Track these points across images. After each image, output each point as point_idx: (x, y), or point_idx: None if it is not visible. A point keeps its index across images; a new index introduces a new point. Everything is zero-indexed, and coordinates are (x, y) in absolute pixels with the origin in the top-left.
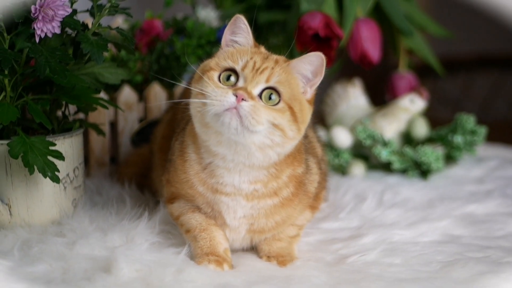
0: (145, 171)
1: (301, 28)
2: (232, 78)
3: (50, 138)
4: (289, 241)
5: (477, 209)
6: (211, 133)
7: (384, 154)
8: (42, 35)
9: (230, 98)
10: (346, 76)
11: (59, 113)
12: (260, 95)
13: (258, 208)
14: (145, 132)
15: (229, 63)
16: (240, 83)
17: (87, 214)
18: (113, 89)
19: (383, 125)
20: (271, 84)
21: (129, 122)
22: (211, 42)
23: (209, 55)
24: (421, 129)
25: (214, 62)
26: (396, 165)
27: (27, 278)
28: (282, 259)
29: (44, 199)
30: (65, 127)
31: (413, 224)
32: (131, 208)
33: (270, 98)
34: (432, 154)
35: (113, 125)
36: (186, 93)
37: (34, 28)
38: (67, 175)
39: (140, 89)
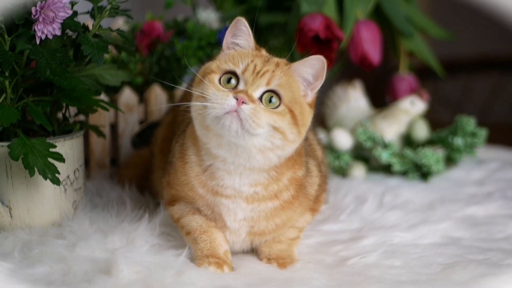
0: (145, 173)
1: (302, 30)
2: (233, 81)
3: (50, 140)
4: (289, 243)
5: (478, 211)
6: (212, 136)
7: (384, 156)
8: (43, 37)
9: (231, 101)
10: (346, 78)
11: (60, 115)
12: (260, 98)
13: (259, 210)
14: (145, 134)
15: (230, 66)
16: (241, 86)
17: (88, 216)
18: (113, 91)
19: (384, 127)
20: (271, 87)
21: (130, 124)
22: (211, 44)
23: (210, 57)
24: (422, 131)
25: (215, 65)
26: (397, 167)
27: (28, 280)
28: (282, 261)
29: (45, 201)
30: (65, 129)
31: (414, 226)
32: (131, 210)
33: (270, 101)
34: (432, 156)
35: (114, 127)
36: (187, 95)
37: (34, 30)
38: (68, 177)
39: (141, 91)
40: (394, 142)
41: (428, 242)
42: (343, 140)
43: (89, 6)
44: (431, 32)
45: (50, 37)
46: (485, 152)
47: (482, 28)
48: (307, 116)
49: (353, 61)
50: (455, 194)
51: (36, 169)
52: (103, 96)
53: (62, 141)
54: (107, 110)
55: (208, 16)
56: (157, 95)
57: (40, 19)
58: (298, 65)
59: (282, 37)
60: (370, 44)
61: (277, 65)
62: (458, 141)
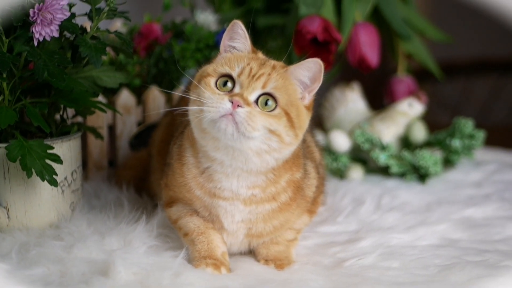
0: (143, 175)
1: (300, 32)
2: (229, 84)
3: (48, 142)
4: (287, 245)
5: (475, 213)
6: (209, 139)
7: (382, 158)
8: (41, 39)
9: (226, 105)
10: (345, 80)
11: (57, 116)
12: (256, 101)
13: (256, 212)
14: (143, 136)
15: (226, 69)
16: (237, 89)
17: (85, 218)
18: (111, 92)
19: (381, 129)
20: (267, 90)
21: (128, 126)
22: (209, 46)
23: (208, 59)
24: (419, 133)
25: (212, 68)
26: (394, 169)
27: (25, 282)
28: (280, 263)
29: (42, 202)
30: (63, 131)
31: (411, 228)
32: (129, 211)
33: (266, 104)
34: (430, 158)
35: (112, 128)
36: (184, 97)
37: (32, 32)
38: (65, 178)
39: (139, 92)
40: (392, 144)
41: (426, 244)
42: (341, 142)
43: (87, 8)
44: (430, 35)
45: (48, 39)
46: (483, 154)
47: (481, 30)
48: (304, 118)
49: (351, 63)
50: (453, 196)
51: (33, 170)
52: (101, 98)
53: (59, 142)
54: (105, 111)
55: (206, 18)
56: (155, 97)
57: (38, 21)
58: (295, 68)
59: (281, 39)
60: (368, 47)
61: (274, 68)
62: (456, 143)
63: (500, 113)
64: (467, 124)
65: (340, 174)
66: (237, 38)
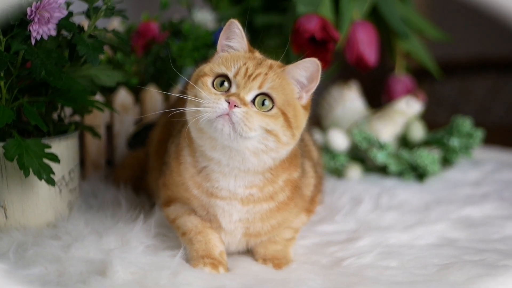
0: (141, 174)
1: (298, 31)
2: (226, 84)
3: (45, 141)
4: (284, 244)
5: (474, 212)
6: (206, 139)
7: (380, 157)
8: (38, 37)
9: (223, 105)
10: (344, 78)
11: (55, 115)
12: (253, 101)
13: (254, 212)
14: (141, 135)
15: (222, 69)
16: (233, 89)
17: (83, 217)
18: (109, 91)
19: (379, 128)
20: (264, 90)
21: (125, 125)
22: (207, 45)
23: (205, 58)
24: (417, 132)
25: (208, 67)
26: (392, 168)
27: (23, 281)
28: (278, 262)
29: (40, 201)
30: (60, 130)
31: (409, 227)
32: (126, 211)
33: (263, 104)
34: (427, 157)
35: (109, 127)
36: (181, 97)
37: (30, 30)
38: (63, 177)
39: (136, 91)
40: (390, 143)
41: (424, 243)
42: (339, 140)
43: (85, 6)
44: (428, 34)
45: (45, 37)
46: (481, 153)
47: (479, 29)
48: (301, 118)
49: (349, 62)
50: (451, 195)
51: (31, 169)
52: (98, 97)
53: (57, 141)
54: (102, 110)
55: (204, 17)
56: (153, 96)
57: (36, 20)
58: (292, 67)
59: (278, 38)
60: (366, 45)
61: (270, 67)
62: (454, 142)
63: (498, 112)
64: (464, 123)
65: (338, 173)
66: (234, 38)
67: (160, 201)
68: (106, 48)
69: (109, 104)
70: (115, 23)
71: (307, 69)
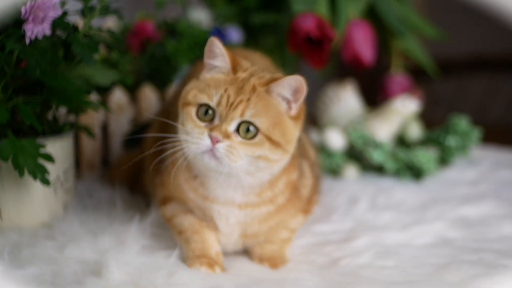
0: (136, 174)
1: (293, 30)
2: (210, 112)
3: (40, 140)
4: (281, 244)
5: (471, 212)
6: (198, 163)
7: (376, 156)
8: (33, 37)
9: (206, 141)
10: (341, 77)
11: (50, 115)
12: (238, 129)
13: (252, 215)
14: (137, 134)
15: (204, 99)
16: (216, 120)
17: (78, 217)
18: (104, 91)
19: (375, 127)
20: (245, 118)
21: (121, 124)
22: (202, 45)
23: (200, 57)
24: (414, 131)
25: (192, 94)
26: (388, 167)
27: (17, 282)
28: (274, 262)
29: (35, 202)
30: (55, 129)
31: (406, 227)
32: (122, 211)
33: (248, 130)
34: (423, 156)
35: (104, 127)
36: (177, 97)
37: (24, 30)
38: (58, 177)
39: (132, 91)
40: (386, 142)
41: (421, 243)
42: (335, 140)
43: (79, 5)
44: (425, 32)
45: (39, 37)
46: (478, 152)
47: (477, 27)
48: (291, 133)
49: (346, 61)
50: (448, 194)
51: (25, 169)
52: (93, 96)
53: (52, 141)
54: (97, 110)
55: (199, 16)
56: (148, 95)
57: (30, 19)
58: (275, 86)
59: (275, 37)
60: (363, 44)
61: (253, 89)
62: (450, 141)
63: (496, 110)
64: (461, 122)
65: (334, 172)
66: (216, 57)
67: (156, 200)
68: (101, 47)
69: (104, 103)
70: (110, 23)
71: (291, 86)
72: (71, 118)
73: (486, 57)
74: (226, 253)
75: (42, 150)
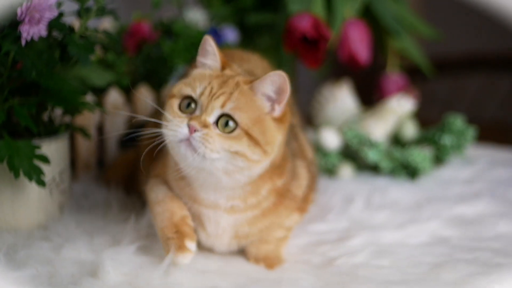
0: (132, 175)
1: (289, 30)
2: (192, 105)
3: (35, 142)
4: (276, 244)
5: (466, 210)
6: (178, 157)
7: (371, 156)
8: (29, 38)
9: (183, 129)
10: (337, 76)
11: (46, 116)
12: (217, 123)
13: (240, 219)
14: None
15: (188, 91)
16: (197, 112)
17: (74, 218)
18: (100, 91)
19: (371, 126)
20: (225, 110)
21: (116, 125)
22: (198, 45)
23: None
24: (409, 130)
25: (177, 88)
26: (384, 166)
27: (13, 283)
28: (270, 262)
29: (30, 203)
30: (51, 131)
31: (402, 226)
32: (118, 211)
33: (227, 125)
34: (418, 154)
35: (100, 128)
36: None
37: (20, 31)
38: (53, 178)
39: (128, 91)
40: (381, 142)
41: (417, 242)
42: (330, 139)
43: (75, 5)
44: (421, 31)
45: (35, 38)
46: (474, 150)
47: (472, 26)
48: (272, 133)
49: (341, 60)
50: (444, 193)
51: (21, 171)
52: (89, 97)
53: (47, 142)
54: (93, 111)
55: (195, 16)
56: (144, 96)
57: (26, 20)
58: (258, 83)
59: (271, 37)
60: (359, 44)
61: (237, 85)
62: (445, 140)
63: (491, 109)
64: (456, 121)
65: (329, 171)
66: (207, 55)
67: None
68: (97, 48)
69: (100, 104)
70: (106, 24)
71: (274, 82)
72: (67, 119)
73: (481, 56)
74: (221, 254)
75: (37, 151)
